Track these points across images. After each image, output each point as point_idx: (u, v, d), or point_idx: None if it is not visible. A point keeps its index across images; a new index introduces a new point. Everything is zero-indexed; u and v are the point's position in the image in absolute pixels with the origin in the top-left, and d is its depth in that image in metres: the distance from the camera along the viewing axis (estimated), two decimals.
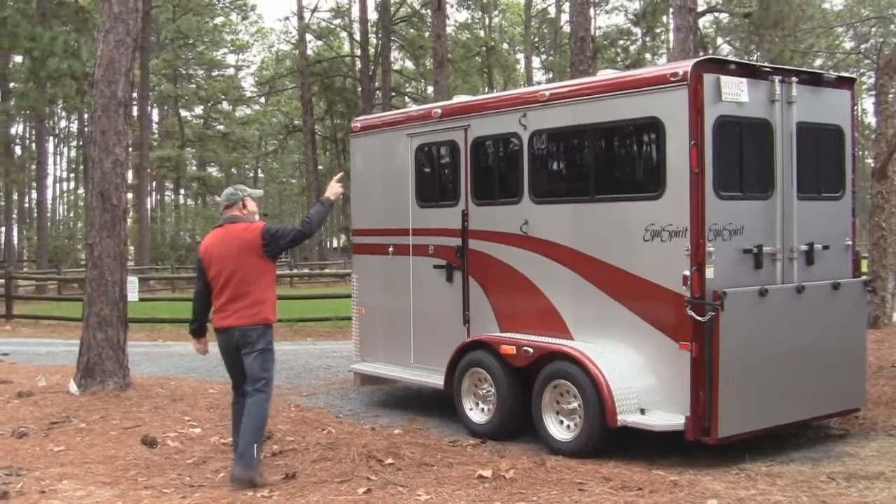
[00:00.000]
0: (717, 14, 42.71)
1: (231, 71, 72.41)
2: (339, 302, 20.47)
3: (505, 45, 67.30)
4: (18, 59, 42.01)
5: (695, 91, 7.86)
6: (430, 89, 48.19)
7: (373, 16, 53.74)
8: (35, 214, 51.64)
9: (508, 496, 7.02)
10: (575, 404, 8.52)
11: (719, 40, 52.16)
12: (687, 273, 7.89)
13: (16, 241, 59.68)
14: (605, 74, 9.23)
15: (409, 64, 64.75)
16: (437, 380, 10.09)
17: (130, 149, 43.80)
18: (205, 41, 63.95)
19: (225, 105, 69.49)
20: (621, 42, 54.63)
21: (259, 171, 75.76)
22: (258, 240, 7.86)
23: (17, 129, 61.61)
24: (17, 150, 60.09)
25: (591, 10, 45.85)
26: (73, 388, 11.38)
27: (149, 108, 56.49)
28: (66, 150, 76.28)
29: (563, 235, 9.03)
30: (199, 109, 70.39)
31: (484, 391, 9.54)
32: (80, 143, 60.90)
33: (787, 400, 8.33)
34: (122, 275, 11.84)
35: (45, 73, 35.73)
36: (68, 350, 14.97)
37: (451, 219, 10.19)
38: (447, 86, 33.17)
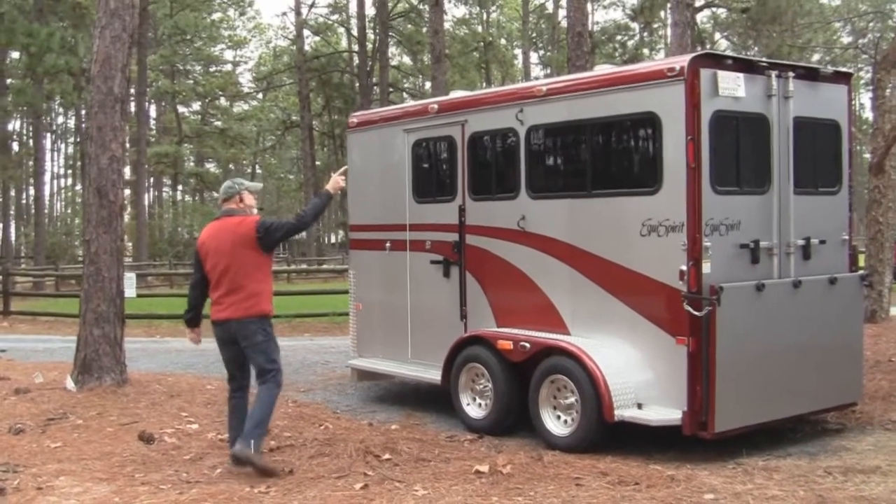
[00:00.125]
0: (714, 9, 42.74)
1: (229, 67, 72.32)
2: (337, 298, 20.48)
3: (503, 41, 67.19)
4: (15, 54, 41.94)
5: (691, 86, 7.86)
6: (428, 85, 48.10)
7: (370, 11, 53.71)
8: (32, 211, 51.65)
9: (505, 491, 7.02)
10: (572, 399, 8.52)
11: (717, 35, 52.18)
12: (684, 268, 7.89)
13: (13, 238, 59.66)
14: (602, 69, 9.22)
15: (406, 59, 64.78)
16: (434, 375, 10.09)
17: (128, 145, 43.87)
18: (202, 37, 63.85)
19: (223, 101, 69.41)
20: (619, 37, 54.72)
21: (257, 166, 75.70)
22: (252, 233, 7.94)
23: (14, 125, 61.60)
24: (15, 146, 60.02)
25: (589, 5, 45.89)
26: (69, 384, 11.38)
27: (146, 104, 56.40)
28: (63, 146, 76.30)
29: (560, 231, 9.02)
30: (196, 105, 70.33)
31: (481, 386, 9.54)
32: (78, 139, 60.93)
33: (783, 394, 8.33)
34: (119, 271, 11.84)
35: (42, 69, 35.75)
36: (66, 346, 14.98)
37: (448, 214, 10.19)
38: (445, 81, 33.09)
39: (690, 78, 7.85)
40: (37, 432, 9.37)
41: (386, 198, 11.08)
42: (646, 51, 54.71)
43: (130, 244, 49.89)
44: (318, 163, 61.96)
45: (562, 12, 51.42)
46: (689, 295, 7.84)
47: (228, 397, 8.35)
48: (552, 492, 6.99)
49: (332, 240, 73.07)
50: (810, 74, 8.88)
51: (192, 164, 68.79)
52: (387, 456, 8.14)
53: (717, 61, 8.15)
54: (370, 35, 55.54)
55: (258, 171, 74.33)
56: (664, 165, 8.07)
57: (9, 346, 16.94)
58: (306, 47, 58.75)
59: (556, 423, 8.71)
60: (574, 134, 9.04)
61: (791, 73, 8.58)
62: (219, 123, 67.50)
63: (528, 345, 8.98)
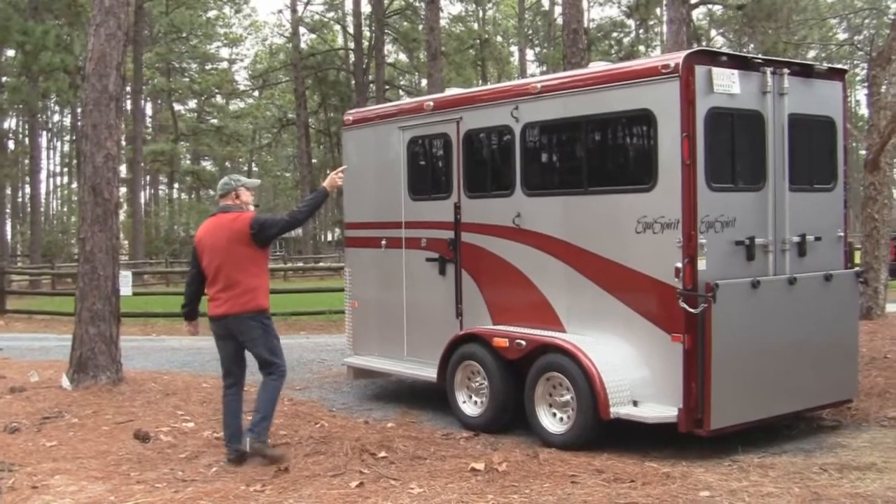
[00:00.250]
0: (710, 6, 42.76)
1: (225, 64, 72.24)
2: (333, 295, 20.44)
3: (499, 38, 67.22)
4: (11, 53, 41.92)
5: (686, 83, 7.85)
6: (424, 82, 48.13)
7: (366, 9, 53.67)
8: (28, 209, 51.55)
9: (501, 489, 7.02)
10: (568, 397, 8.52)
11: (713, 32, 52.25)
12: (679, 265, 7.88)
13: (9, 236, 59.54)
14: (597, 66, 9.21)
15: (402, 57, 64.76)
16: (430, 373, 10.08)
17: (124, 143, 43.74)
18: (198, 35, 63.75)
19: (219, 99, 69.39)
20: (615, 34, 54.80)
21: (253, 164, 75.64)
22: (247, 229, 8.07)
23: (9, 123, 61.48)
24: (10, 144, 59.99)
25: (585, 2, 45.87)
26: (65, 382, 11.37)
27: (142, 102, 56.39)
28: (59, 144, 76.19)
29: (556, 228, 9.02)
30: (192, 103, 70.30)
31: (477, 384, 9.54)
32: (74, 137, 60.82)
33: (779, 391, 8.34)
34: (115, 269, 11.83)
35: (38, 66, 35.72)
36: (61, 345, 14.96)
37: (444, 212, 10.18)
38: (441, 79, 33.13)
39: (685, 75, 7.85)
40: (32, 431, 9.37)
41: (381, 195, 11.07)
42: (642, 48, 54.80)
43: (126, 242, 49.88)
44: (314, 160, 61.99)
45: (558, 9, 51.41)
46: (685, 292, 7.83)
47: (223, 394, 8.40)
48: (548, 489, 6.99)
49: (329, 238, 73.03)
50: (805, 71, 8.88)
51: (188, 161, 68.75)
52: (382, 454, 8.14)
53: (712, 58, 8.15)
54: (366, 32, 55.55)
55: (254, 168, 74.24)
56: (659, 162, 8.06)
57: (4, 345, 16.90)
58: (302, 45, 58.78)
59: (552, 421, 8.70)
60: (569, 131, 9.03)
61: (786, 70, 8.57)
62: (215, 121, 67.45)
63: (523, 342, 8.98)
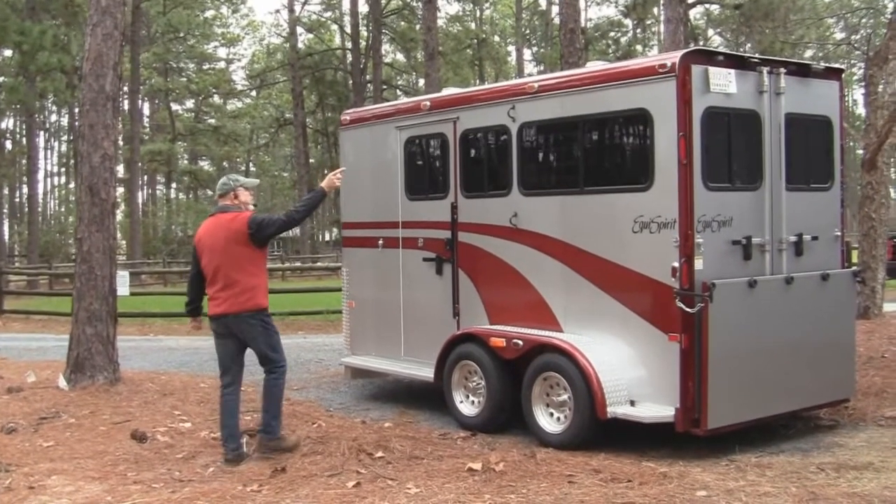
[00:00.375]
0: (707, 5, 42.76)
1: (222, 64, 72.17)
2: (331, 295, 20.45)
3: (496, 38, 67.22)
4: (8, 52, 41.88)
5: (683, 82, 7.85)
6: (422, 82, 48.11)
7: (363, 8, 53.72)
8: (26, 209, 51.47)
9: (498, 489, 7.02)
10: (565, 396, 8.52)
11: (710, 31, 52.24)
12: (676, 264, 7.88)
13: (7, 236, 59.51)
14: (594, 66, 9.21)
15: (400, 56, 64.75)
16: (427, 373, 10.08)
17: (121, 143, 43.65)
18: (195, 34, 63.69)
19: (216, 98, 69.38)
20: (612, 34, 54.72)
21: (251, 164, 75.62)
22: (244, 229, 8.17)
23: (6, 123, 61.54)
24: (8, 144, 59.96)
25: (582, 2, 45.86)
26: (62, 383, 11.36)
27: (139, 101, 56.35)
28: (56, 144, 76.08)
29: (553, 228, 9.02)
30: (190, 103, 70.26)
31: (474, 384, 9.53)
32: (71, 137, 60.68)
33: (776, 391, 8.34)
34: (112, 269, 11.82)
35: (35, 66, 35.71)
36: (59, 345, 14.94)
37: (441, 211, 10.18)
38: (438, 78, 33.11)
39: (682, 74, 7.85)
40: (29, 431, 9.37)
41: (378, 195, 11.07)
42: (639, 47, 54.75)
43: (124, 242, 49.87)
44: (311, 160, 62.03)
45: (555, 9, 51.41)
46: (682, 291, 7.83)
47: (221, 394, 8.43)
48: (545, 489, 6.99)
49: (327, 237, 73.01)
50: (802, 71, 8.88)
51: (185, 161, 68.66)
52: (380, 454, 8.14)
53: (709, 58, 8.15)
54: (363, 32, 55.55)
55: (252, 168, 74.26)
56: (656, 162, 8.06)
57: (2, 345, 16.91)
58: (299, 45, 58.79)
59: (549, 421, 8.70)
60: (566, 131, 9.03)
61: (782, 70, 8.58)
62: (212, 121, 67.44)
63: (520, 342, 8.98)
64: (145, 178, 66.96)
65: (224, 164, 71.50)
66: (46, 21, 38.18)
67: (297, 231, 53.55)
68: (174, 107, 67.59)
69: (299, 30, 58.96)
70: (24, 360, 14.71)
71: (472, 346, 9.50)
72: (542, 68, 60.40)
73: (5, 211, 61.72)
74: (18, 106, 48.16)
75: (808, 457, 7.91)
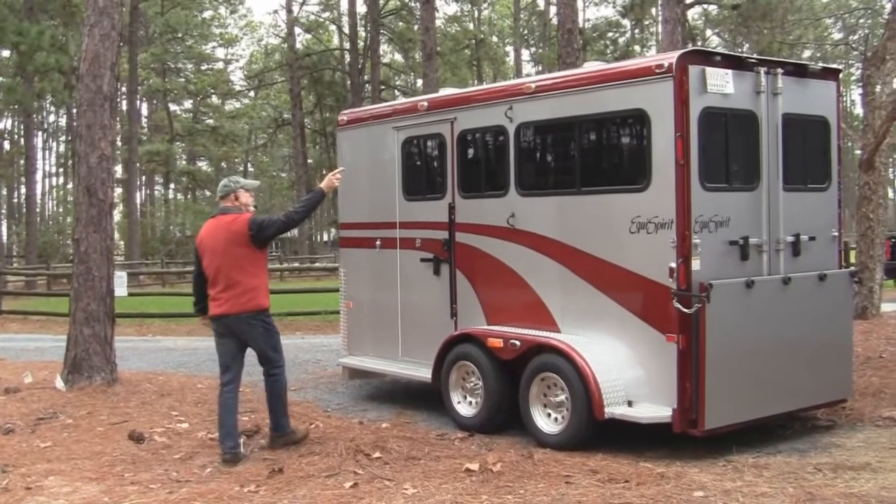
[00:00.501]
0: (705, 6, 42.77)
1: (220, 65, 72.10)
2: (329, 296, 20.44)
3: (494, 38, 67.24)
4: (6, 53, 41.84)
5: (680, 83, 7.85)
6: (420, 82, 48.08)
7: (361, 9, 53.69)
8: (24, 210, 51.42)
9: (495, 489, 7.02)
10: (562, 397, 8.52)
11: (708, 32, 52.24)
12: (673, 265, 7.88)
13: (5, 237, 59.43)
14: (591, 66, 9.21)
15: (398, 57, 64.72)
16: (424, 373, 10.08)
17: (119, 143, 43.57)
18: (193, 35, 63.70)
19: (214, 99, 69.30)
20: (610, 34, 54.73)
21: (249, 164, 75.60)
22: (245, 230, 8.28)
23: (4, 123, 61.52)
24: (6, 145, 59.93)
25: (580, 2, 45.88)
26: (59, 383, 11.36)
27: (138, 102, 56.33)
28: (54, 144, 75.98)
29: (550, 228, 9.01)
30: (188, 103, 70.20)
31: (472, 384, 9.53)
32: (69, 137, 60.62)
33: (774, 391, 8.34)
34: (109, 270, 11.82)
35: (33, 67, 35.70)
36: (57, 346, 14.93)
37: (438, 212, 10.17)
38: (436, 79, 33.10)
39: (679, 75, 7.85)
40: (26, 432, 9.36)
41: (375, 196, 11.07)
42: (637, 48, 54.77)
43: (122, 243, 49.85)
44: (309, 161, 61.99)
45: (553, 9, 51.43)
46: (679, 292, 7.83)
47: (220, 392, 8.47)
48: (542, 490, 6.99)
49: (325, 238, 72.99)
50: (799, 71, 8.88)
51: (183, 162, 68.63)
52: (377, 454, 8.14)
53: (706, 58, 8.15)
54: (361, 33, 55.54)
55: (250, 168, 74.24)
56: (653, 162, 8.06)
57: (0, 346, 16.88)
58: (297, 45, 58.77)
59: (547, 421, 8.70)
60: (563, 131, 9.03)
61: (780, 70, 8.58)
62: (210, 121, 67.36)
63: (518, 342, 8.97)
64: (143, 178, 66.95)
65: (222, 164, 71.47)
66: (44, 21, 38.15)
67: (295, 232, 53.46)
68: (172, 107, 67.56)
69: (297, 30, 58.97)
70: (21, 360, 14.71)
71: (470, 346, 9.50)
72: (540, 69, 60.46)
73: (3, 211, 61.79)
74: (16, 106, 48.11)
75: (805, 457, 7.91)
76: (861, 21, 49.15)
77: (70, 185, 61.23)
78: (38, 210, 59.42)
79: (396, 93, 59.10)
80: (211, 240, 8.42)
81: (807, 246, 8.80)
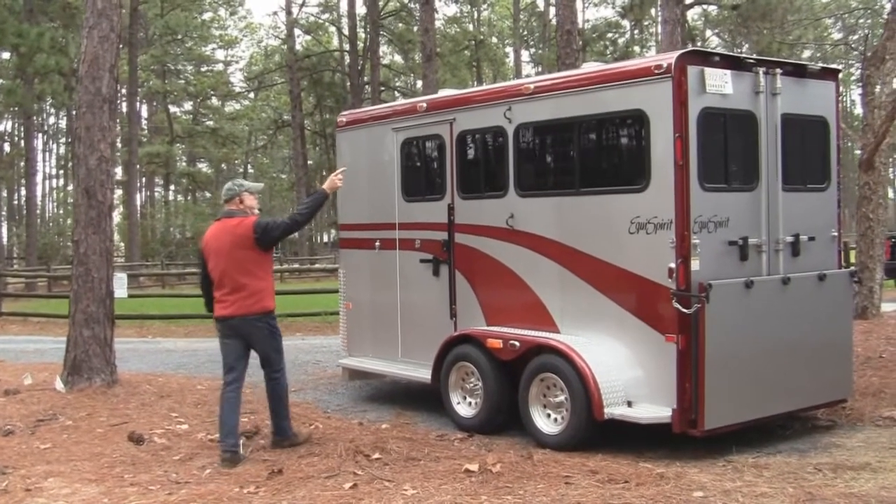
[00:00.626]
0: (705, 6, 42.76)
1: (220, 66, 72.07)
2: (329, 297, 20.42)
3: (494, 39, 67.23)
4: (6, 55, 41.83)
5: (679, 83, 7.85)
6: (420, 83, 48.08)
7: (361, 10, 53.67)
8: (24, 211, 51.43)
9: (495, 490, 7.01)
10: (562, 397, 8.52)
11: (707, 32, 52.25)
12: (672, 265, 7.88)
13: (5, 239, 59.45)
14: (590, 67, 9.21)
15: (397, 58, 64.72)
16: (424, 374, 10.08)
17: (119, 145, 43.54)
18: (193, 37, 63.64)
19: (214, 101, 69.24)
20: (610, 35, 54.72)
21: (249, 166, 75.58)
22: (250, 233, 8.33)
23: (4, 125, 61.53)
24: (6, 147, 59.95)
25: (579, 3, 45.89)
26: (59, 385, 11.36)
27: (137, 104, 56.35)
28: (55, 146, 76.00)
29: (549, 229, 9.01)
30: (188, 105, 70.15)
31: (471, 385, 9.53)
32: (69, 139, 60.63)
33: (773, 391, 8.33)
34: (109, 271, 11.82)
35: (33, 69, 35.73)
36: (57, 347, 14.92)
37: (438, 213, 10.17)
38: (436, 80, 33.09)
39: (678, 75, 7.85)
40: (26, 433, 9.36)
41: (375, 197, 11.07)
42: (636, 48, 54.80)
43: (122, 244, 49.84)
44: (309, 162, 61.96)
45: (552, 10, 51.45)
46: (678, 292, 7.83)
47: (223, 390, 8.50)
48: (541, 490, 6.98)
49: (325, 239, 72.97)
50: (798, 71, 8.88)
51: (183, 163, 68.59)
52: (376, 455, 8.13)
53: (705, 58, 8.15)
54: (361, 34, 55.52)
55: (250, 170, 74.20)
56: (652, 163, 8.06)
57: (0, 347, 16.89)
58: (297, 46, 58.71)
59: (546, 422, 8.70)
60: (562, 132, 9.03)
61: (778, 70, 8.57)
62: (210, 123, 67.32)
63: (517, 343, 8.97)
64: (143, 180, 66.94)
65: (222, 166, 71.49)
66: (44, 23, 38.16)
67: (295, 233, 53.50)
68: (172, 109, 67.52)
69: (297, 32, 58.91)
70: (21, 362, 14.72)
71: (469, 347, 9.50)
72: (539, 70, 60.43)
73: (4, 213, 61.80)
74: (16, 108, 48.14)
75: (805, 457, 7.90)
76: (861, 21, 49.17)
77: (70, 187, 61.26)
78: (38, 212, 59.46)
79: (396, 94, 59.11)
80: (216, 242, 8.46)
81: (806, 246, 8.80)
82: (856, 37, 47.13)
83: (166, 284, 38.19)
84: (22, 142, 54.75)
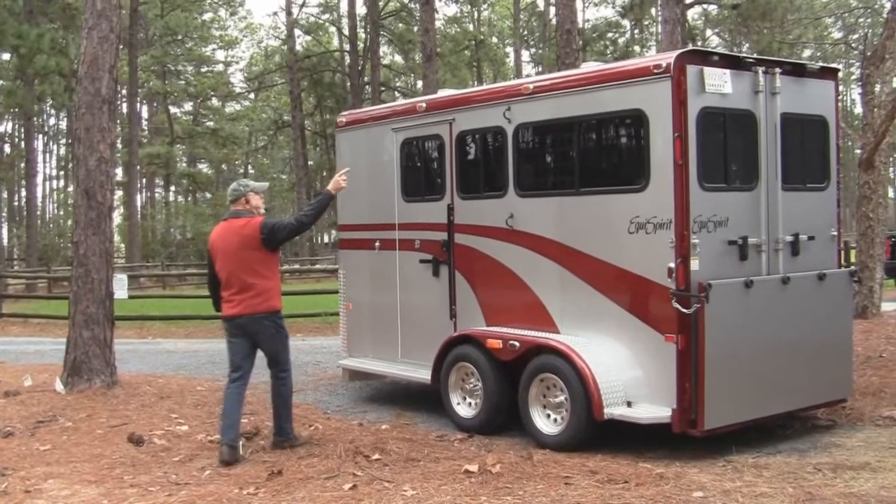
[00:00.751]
0: (705, 6, 42.76)
1: (220, 67, 72.05)
2: (329, 298, 20.41)
3: (494, 39, 67.20)
4: (6, 56, 41.84)
5: (678, 83, 7.84)
6: (420, 84, 48.05)
7: (361, 10, 53.65)
8: (25, 213, 51.44)
9: (494, 490, 7.01)
10: (562, 398, 8.51)
11: (708, 32, 52.24)
12: (672, 265, 7.88)
13: (6, 240, 59.47)
14: (589, 67, 9.20)
15: (398, 58, 64.68)
16: (424, 374, 10.08)
17: (119, 146, 43.53)
18: (193, 37, 63.58)
19: (214, 101, 69.23)
20: (610, 34, 54.69)
21: (249, 167, 75.55)
22: (257, 234, 8.39)
23: (5, 126, 61.54)
24: (6, 148, 59.95)
25: (579, 3, 45.89)
26: (59, 386, 11.36)
27: (138, 104, 56.32)
28: (55, 147, 76.07)
29: (549, 229, 9.01)
30: (188, 106, 70.12)
31: (471, 385, 9.53)
32: (70, 140, 60.62)
33: (773, 391, 8.33)
34: (108, 272, 11.82)
35: (33, 70, 35.73)
36: (57, 349, 14.92)
37: (437, 213, 10.17)
38: (436, 80, 33.08)
39: (677, 75, 7.84)
40: (26, 435, 9.36)
41: (375, 197, 11.07)
42: (636, 48, 54.78)
43: (123, 245, 49.83)
44: (310, 162, 61.96)
45: (553, 10, 51.44)
46: (678, 292, 7.83)
47: (227, 386, 8.57)
48: (541, 491, 6.98)
49: (325, 239, 72.95)
50: (797, 70, 8.87)
51: (184, 164, 68.58)
52: (376, 456, 8.13)
53: (704, 58, 8.14)
54: (361, 34, 55.47)
55: (250, 171, 74.15)
56: (651, 163, 8.05)
57: (0, 349, 16.88)
58: (297, 47, 58.67)
59: (546, 422, 8.70)
60: (561, 132, 9.02)
61: (778, 70, 8.57)
62: (211, 124, 67.28)
63: (517, 343, 8.97)
64: (144, 181, 66.91)
65: (223, 166, 71.49)
66: (44, 24, 38.19)
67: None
68: (172, 110, 67.48)
69: (297, 32, 58.88)
70: (21, 363, 14.73)
71: (469, 347, 9.49)
72: (540, 69, 60.41)
73: (4, 214, 61.81)
74: (16, 109, 48.14)
75: (805, 457, 7.90)
76: (861, 20, 49.17)
77: (70, 188, 61.27)
78: (38, 213, 59.50)
79: (396, 94, 59.08)
80: (223, 243, 8.52)
81: (806, 245, 8.80)
82: (856, 36, 47.16)
83: (167, 285, 38.19)
84: (22, 143, 54.73)
